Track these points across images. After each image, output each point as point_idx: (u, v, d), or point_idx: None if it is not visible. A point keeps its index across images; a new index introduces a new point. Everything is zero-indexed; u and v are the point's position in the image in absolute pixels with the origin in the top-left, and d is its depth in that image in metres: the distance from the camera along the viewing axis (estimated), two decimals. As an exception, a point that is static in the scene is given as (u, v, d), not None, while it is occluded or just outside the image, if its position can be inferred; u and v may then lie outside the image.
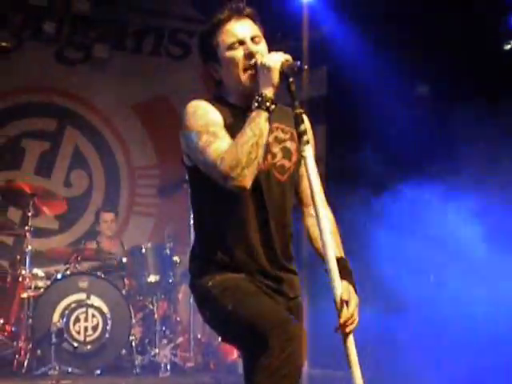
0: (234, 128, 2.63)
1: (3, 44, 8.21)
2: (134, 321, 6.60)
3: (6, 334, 6.50)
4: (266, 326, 2.46)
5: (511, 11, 7.36)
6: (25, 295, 6.43)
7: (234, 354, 6.74)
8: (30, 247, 6.52)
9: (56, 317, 6.27)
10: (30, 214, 6.61)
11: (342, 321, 2.52)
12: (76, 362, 6.24)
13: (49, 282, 6.49)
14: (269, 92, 2.55)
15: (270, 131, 2.60)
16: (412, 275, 6.45)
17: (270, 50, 2.71)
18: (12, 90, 8.51)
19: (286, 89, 2.58)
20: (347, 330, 2.53)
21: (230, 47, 2.68)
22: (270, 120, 2.55)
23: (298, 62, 2.57)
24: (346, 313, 2.52)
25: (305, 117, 2.67)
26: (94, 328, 6.35)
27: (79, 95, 8.77)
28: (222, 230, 2.67)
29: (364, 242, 6.36)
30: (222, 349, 6.87)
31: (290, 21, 7.76)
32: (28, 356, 6.20)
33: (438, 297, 6.38)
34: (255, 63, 2.63)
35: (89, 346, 6.31)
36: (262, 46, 2.71)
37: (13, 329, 6.53)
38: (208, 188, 2.64)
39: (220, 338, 2.93)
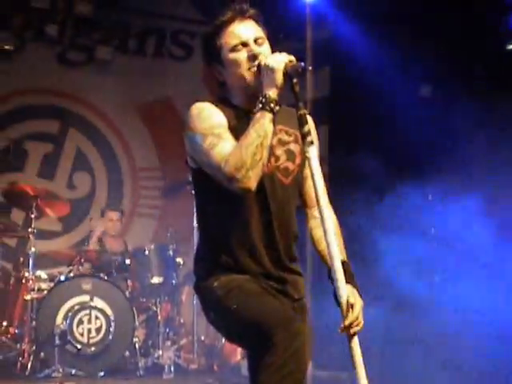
0: (238, 130, 2.62)
1: (6, 46, 8.21)
2: (137, 323, 6.60)
3: (9, 336, 6.51)
4: (270, 324, 2.46)
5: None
6: (28, 297, 6.43)
7: (238, 355, 6.74)
8: (33, 249, 6.52)
9: (59, 319, 6.27)
10: (33, 216, 6.61)
11: (347, 323, 2.52)
12: (79, 364, 6.24)
13: (52, 284, 6.49)
14: (273, 93, 2.55)
15: (274, 133, 2.59)
16: (416, 276, 6.44)
17: (273, 51, 2.70)
18: (14, 92, 8.51)
19: (289, 90, 2.58)
20: (352, 331, 2.53)
21: (234, 49, 2.67)
22: (274, 121, 2.55)
23: (302, 63, 2.56)
24: (351, 315, 2.52)
25: (309, 117, 2.66)
26: (98, 330, 6.35)
27: (82, 97, 8.77)
28: (226, 231, 2.67)
29: (367, 242, 6.35)
30: (226, 350, 6.87)
31: (292, 21, 7.75)
32: (31, 358, 6.21)
33: (442, 297, 6.37)
34: (259, 65, 2.62)
35: (92, 348, 6.31)
36: (266, 48, 2.70)
37: (16, 331, 6.54)
38: (212, 190, 2.64)
39: (225, 339, 2.91)
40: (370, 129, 8.11)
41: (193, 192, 6.91)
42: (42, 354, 6.27)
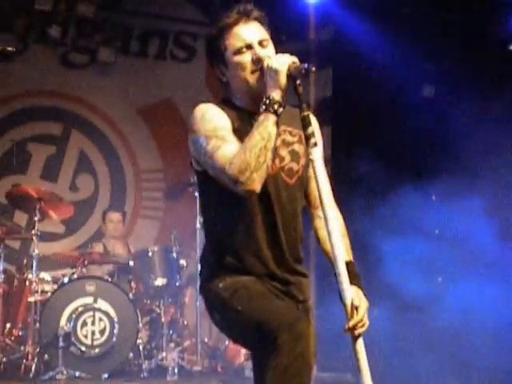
0: (241, 131, 2.62)
1: (8, 48, 8.21)
2: (141, 324, 6.60)
3: (13, 338, 6.51)
4: (275, 326, 2.46)
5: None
6: (32, 299, 6.43)
7: (241, 357, 6.74)
8: (36, 251, 6.52)
9: (63, 321, 6.27)
10: (36, 219, 6.61)
11: (351, 324, 2.51)
12: (83, 366, 6.24)
13: (56, 286, 6.49)
14: (276, 95, 2.54)
15: (278, 134, 2.59)
16: (420, 277, 6.44)
17: (276, 52, 2.70)
18: (17, 94, 8.51)
19: (293, 91, 2.57)
20: (357, 333, 2.53)
21: (238, 51, 2.67)
22: (277, 123, 2.54)
23: (306, 64, 2.55)
24: (356, 317, 2.52)
25: (313, 118, 2.66)
26: (102, 332, 6.35)
27: (84, 99, 8.77)
28: (231, 233, 2.66)
29: (369, 243, 6.35)
30: (229, 352, 6.87)
31: (293, 22, 7.75)
32: (35, 360, 6.20)
33: (446, 297, 6.37)
34: (262, 66, 2.61)
35: (96, 350, 6.31)
36: (270, 50, 2.70)
37: (20, 333, 6.54)
38: (217, 192, 2.64)
39: (230, 340, 2.90)
40: (371, 129, 8.11)
41: (196, 194, 6.96)
42: (46, 356, 6.27)
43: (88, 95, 8.77)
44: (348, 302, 2.53)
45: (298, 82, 2.55)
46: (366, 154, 7.37)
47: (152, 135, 9.03)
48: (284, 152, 2.72)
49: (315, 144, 2.55)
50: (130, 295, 6.67)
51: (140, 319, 6.56)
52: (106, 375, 6.28)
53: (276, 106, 2.53)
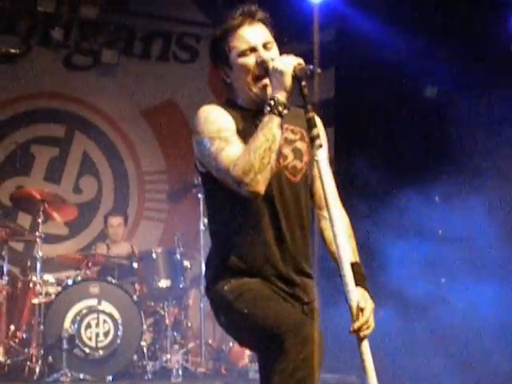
0: (245, 132, 2.62)
1: (12, 50, 8.22)
2: (145, 326, 6.59)
3: (17, 340, 6.51)
4: (282, 329, 2.45)
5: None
6: (36, 301, 6.42)
7: (245, 359, 6.73)
8: (40, 253, 6.52)
9: (67, 323, 6.26)
10: (40, 220, 6.61)
11: (356, 326, 2.50)
12: (88, 368, 6.22)
13: (60, 288, 6.48)
14: (281, 96, 2.53)
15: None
16: (424, 278, 6.43)
17: (280, 53, 2.69)
18: (20, 96, 8.52)
19: (298, 92, 2.56)
20: (362, 334, 2.52)
21: (242, 54, 2.66)
22: (282, 124, 2.54)
23: (311, 66, 2.55)
24: (361, 319, 2.51)
25: (318, 119, 2.65)
26: (106, 334, 6.34)
27: (87, 101, 8.78)
28: (236, 234, 2.66)
29: (373, 244, 6.34)
30: (233, 354, 6.86)
31: (296, 23, 7.74)
32: (39, 362, 6.19)
33: (451, 299, 6.36)
34: (267, 70, 2.61)
35: (100, 352, 6.30)
36: (274, 52, 2.69)
37: (24, 335, 6.54)
38: (222, 193, 2.63)
39: (236, 342, 2.89)
40: (374, 130, 8.10)
41: (200, 195, 6.95)
42: (50, 358, 6.26)
43: (91, 97, 8.77)
44: (353, 304, 2.52)
45: (303, 83, 2.54)
46: (368, 155, 7.37)
47: (155, 136, 9.04)
48: (287, 150, 2.72)
49: (320, 146, 2.55)
50: (134, 297, 6.66)
51: (144, 321, 6.55)
52: (110, 377, 6.26)
53: (281, 108, 2.52)
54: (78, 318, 6.28)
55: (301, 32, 7.85)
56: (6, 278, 6.55)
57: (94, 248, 7.34)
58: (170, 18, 9.01)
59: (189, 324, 7.16)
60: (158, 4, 8.78)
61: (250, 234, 2.65)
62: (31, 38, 8.44)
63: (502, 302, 6.24)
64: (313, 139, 2.55)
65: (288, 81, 2.53)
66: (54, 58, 8.58)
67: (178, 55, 9.14)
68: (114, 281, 6.65)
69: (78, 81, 8.69)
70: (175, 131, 8.86)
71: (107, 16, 8.52)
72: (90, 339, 6.29)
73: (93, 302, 6.38)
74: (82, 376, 6.13)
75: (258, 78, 2.65)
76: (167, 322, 6.82)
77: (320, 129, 2.67)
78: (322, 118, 2.84)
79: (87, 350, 6.25)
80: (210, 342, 7.22)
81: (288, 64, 2.55)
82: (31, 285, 6.56)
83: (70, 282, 6.52)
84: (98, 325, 6.33)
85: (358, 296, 2.54)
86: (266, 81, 2.63)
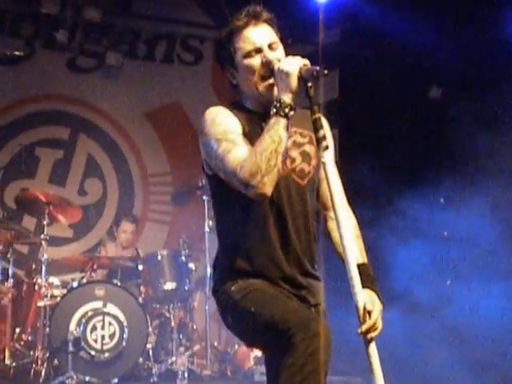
0: (252, 134, 2.62)
1: (16, 53, 8.22)
2: (150, 329, 6.57)
3: (22, 343, 6.50)
4: (289, 325, 2.45)
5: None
6: (41, 304, 6.42)
7: (251, 361, 6.72)
8: (45, 256, 6.52)
9: (73, 325, 6.25)
10: (45, 223, 6.61)
11: (364, 328, 2.50)
12: (93, 370, 6.21)
13: (65, 291, 6.48)
14: (287, 98, 2.53)
15: (289, 136, 2.58)
16: (430, 280, 6.42)
17: (286, 55, 2.69)
18: (25, 99, 8.51)
19: (304, 94, 2.56)
20: (369, 337, 2.51)
21: (248, 55, 2.66)
22: (288, 126, 2.53)
23: (317, 67, 2.54)
24: (368, 321, 2.50)
25: (324, 120, 2.65)
26: (111, 336, 6.33)
27: (92, 103, 8.77)
28: (243, 236, 2.66)
29: (379, 245, 6.33)
30: (239, 356, 6.85)
31: (300, 24, 7.73)
32: (45, 365, 6.18)
33: (456, 300, 6.36)
34: (273, 70, 2.60)
35: (106, 355, 6.29)
36: (280, 53, 2.69)
37: (29, 338, 6.53)
38: (229, 195, 2.63)
39: (244, 343, 2.88)
40: (378, 131, 8.10)
41: (204, 197, 6.94)
42: (56, 360, 6.26)
43: (95, 99, 8.77)
44: (360, 306, 2.52)
45: (310, 84, 2.54)
46: (372, 156, 7.37)
47: (159, 138, 9.03)
48: (295, 153, 2.71)
49: (326, 147, 2.54)
50: (140, 299, 6.66)
51: (149, 323, 6.54)
52: (115, 380, 6.25)
53: (287, 110, 2.52)
54: (84, 320, 6.27)
55: (305, 33, 7.86)
56: (11, 280, 6.55)
57: (99, 250, 7.34)
58: (173, 20, 9.01)
59: (194, 326, 7.15)
60: (162, 6, 8.78)
61: (257, 235, 2.65)
62: (35, 40, 8.44)
63: (506, 302, 6.24)
64: (319, 141, 2.54)
65: (294, 82, 2.53)
66: (58, 61, 8.58)
67: (182, 57, 9.13)
68: (119, 283, 6.65)
69: (83, 83, 8.68)
70: (179, 133, 8.86)
71: (111, 18, 8.52)
72: (95, 342, 6.28)
73: (98, 304, 6.37)
74: (87, 379, 6.12)
75: (263, 78, 2.65)
76: (172, 324, 6.81)
77: (326, 130, 2.67)
78: (327, 120, 2.83)
79: (93, 353, 6.24)
80: (216, 344, 7.21)
81: (294, 65, 2.54)
82: (36, 287, 6.56)
83: (75, 284, 6.52)
84: (103, 327, 6.32)
85: (365, 298, 2.53)
86: (272, 80, 2.62)
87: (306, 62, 2.57)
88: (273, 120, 2.52)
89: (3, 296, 6.51)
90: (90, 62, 8.72)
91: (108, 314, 6.36)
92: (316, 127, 2.54)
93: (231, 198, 2.62)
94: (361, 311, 2.52)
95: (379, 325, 2.54)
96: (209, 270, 6.80)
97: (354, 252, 2.56)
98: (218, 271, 2.76)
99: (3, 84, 8.31)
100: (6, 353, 6.33)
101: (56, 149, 8.62)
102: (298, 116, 2.63)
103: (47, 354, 6.24)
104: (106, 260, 7.02)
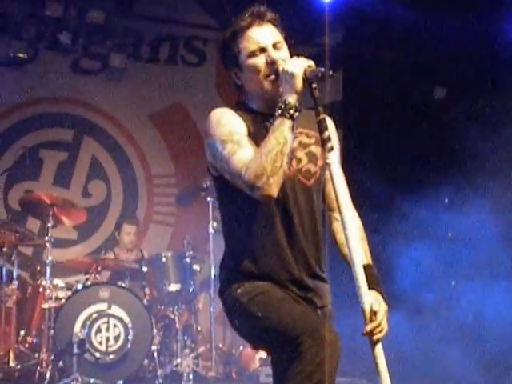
0: (257, 135, 2.61)
1: (20, 55, 8.23)
2: (155, 330, 6.56)
3: (27, 345, 6.50)
4: (298, 331, 2.44)
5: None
6: (46, 306, 6.41)
7: (256, 362, 6.72)
8: (50, 258, 6.51)
9: (77, 327, 6.25)
10: (49, 225, 6.60)
11: (369, 329, 2.48)
12: (98, 372, 6.21)
13: (69, 293, 6.46)
14: (292, 99, 2.52)
15: (294, 136, 2.57)
16: (434, 281, 6.42)
17: (290, 54, 2.68)
18: (28, 101, 8.52)
19: (309, 95, 2.55)
20: (375, 338, 2.50)
21: (252, 54, 2.66)
22: (293, 127, 2.52)
23: (322, 68, 2.53)
24: (374, 322, 2.49)
25: (329, 121, 2.64)
26: (116, 338, 6.33)
27: (96, 105, 8.77)
28: (249, 238, 2.65)
29: (382, 246, 6.33)
30: (244, 358, 6.85)
31: (303, 25, 7.73)
32: (50, 367, 6.17)
33: (462, 301, 6.35)
34: (277, 70, 2.59)
35: (111, 357, 6.28)
36: (284, 52, 2.68)
37: (34, 340, 6.52)
38: (234, 197, 2.62)
39: (251, 346, 2.87)
40: (383, 132, 8.09)
41: (208, 199, 6.93)
42: (61, 363, 6.26)
43: (99, 101, 8.77)
44: (366, 307, 2.51)
45: (314, 85, 2.53)
46: (376, 157, 7.37)
47: (163, 140, 9.02)
48: (301, 154, 2.71)
49: (332, 148, 2.53)
50: (144, 301, 6.65)
51: (154, 325, 6.53)
52: (120, 382, 6.25)
53: (292, 111, 2.51)
54: (88, 322, 6.27)
55: (309, 34, 7.85)
56: (15, 282, 6.54)
57: (104, 254, 7.35)
58: (177, 22, 9.00)
59: (199, 328, 7.14)
60: (166, 8, 8.78)
61: (263, 237, 2.64)
62: (39, 42, 8.43)
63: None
64: (324, 142, 2.53)
65: (299, 83, 2.52)
66: (62, 63, 8.58)
67: (186, 58, 9.13)
68: (123, 285, 6.64)
69: (86, 85, 8.68)
70: (183, 134, 8.86)
71: (115, 20, 8.51)
72: (100, 344, 6.28)
73: (103, 306, 6.37)
74: (92, 381, 6.12)
75: (267, 76, 2.64)
76: (177, 326, 6.80)
77: (332, 131, 2.66)
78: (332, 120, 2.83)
79: (98, 355, 6.23)
80: (221, 345, 7.21)
81: (298, 66, 2.53)
82: (41, 289, 6.56)
83: (79, 286, 6.51)
84: (108, 329, 6.32)
85: (370, 299, 2.52)
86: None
87: (311, 63, 2.56)
88: (278, 121, 2.51)
89: (8, 298, 6.51)
90: (94, 64, 8.72)
91: (113, 315, 6.35)
92: (321, 128, 2.54)
93: (237, 199, 2.62)
94: (367, 312, 2.51)
95: (385, 326, 2.53)
96: (213, 272, 6.79)
97: (360, 253, 2.55)
98: (225, 272, 2.75)
99: (7, 86, 8.30)
100: (11, 355, 6.33)
101: (60, 151, 8.62)
102: (304, 117, 2.63)
103: (52, 357, 6.23)
104: (110, 262, 7.02)
